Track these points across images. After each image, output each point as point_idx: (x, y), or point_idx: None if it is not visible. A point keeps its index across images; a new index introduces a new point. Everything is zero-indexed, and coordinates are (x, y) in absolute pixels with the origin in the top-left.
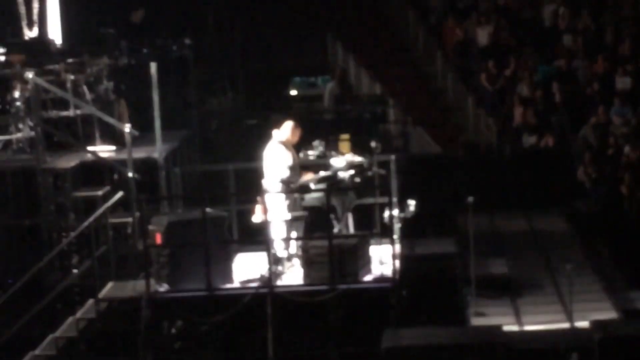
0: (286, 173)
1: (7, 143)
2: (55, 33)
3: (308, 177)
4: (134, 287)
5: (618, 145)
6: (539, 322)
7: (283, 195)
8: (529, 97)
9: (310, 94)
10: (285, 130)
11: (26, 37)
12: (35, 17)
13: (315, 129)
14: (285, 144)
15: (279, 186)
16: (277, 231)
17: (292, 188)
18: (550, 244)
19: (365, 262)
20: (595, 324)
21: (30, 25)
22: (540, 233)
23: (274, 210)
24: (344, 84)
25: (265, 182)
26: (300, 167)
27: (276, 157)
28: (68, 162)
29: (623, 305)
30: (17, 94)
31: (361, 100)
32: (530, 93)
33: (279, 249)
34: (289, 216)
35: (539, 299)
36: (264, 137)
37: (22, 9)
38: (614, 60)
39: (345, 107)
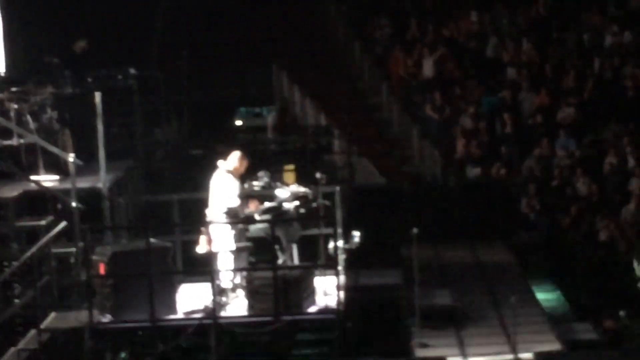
0: (234, 203)
1: None
2: None
3: (253, 207)
4: (77, 317)
5: (562, 177)
6: (483, 354)
7: (228, 226)
8: (473, 129)
9: (255, 124)
10: (233, 161)
11: None
12: None
13: (260, 159)
14: (232, 173)
15: (225, 216)
16: (222, 262)
17: (238, 219)
18: (494, 275)
19: (309, 293)
20: (539, 356)
21: None
22: (484, 264)
23: (218, 241)
24: (285, 114)
25: (210, 212)
26: (245, 197)
27: (223, 186)
28: (11, 191)
29: (567, 336)
30: None
31: (306, 131)
32: (474, 124)
33: (224, 280)
34: (233, 247)
35: (484, 330)
36: (209, 167)
37: None
38: (557, 92)
39: (289, 138)
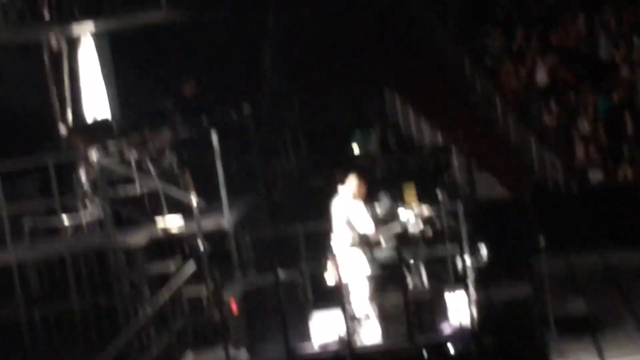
0: (370, 228)
1: (77, 225)
2: (113, 112)
3: (378, 232)
4: (214, 356)
5: None
6: (623, 356)
7: (358, 252)
8: (591, 133)
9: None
10: (351, 184)
11: (86, 119)
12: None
13: (380, 181)
14: (352, 199)
15: (354, 241)
16: (352, 289)
17: (369, 244)
18: (627, 280)
19: (442, 313)
20: None
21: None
22: (616, 269)
23: (346, 268)
24: (386, 136)
25: (335, 240)
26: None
27: (350, 212)
28: (138, 238)
29: None
30: (82, 175)
31: (424, 150)
32: (592, 128)
33: (355, 308)
34: (363, 273)
35: (621, 335)
36: (331, 196)
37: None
38: None
39: (408, 157)
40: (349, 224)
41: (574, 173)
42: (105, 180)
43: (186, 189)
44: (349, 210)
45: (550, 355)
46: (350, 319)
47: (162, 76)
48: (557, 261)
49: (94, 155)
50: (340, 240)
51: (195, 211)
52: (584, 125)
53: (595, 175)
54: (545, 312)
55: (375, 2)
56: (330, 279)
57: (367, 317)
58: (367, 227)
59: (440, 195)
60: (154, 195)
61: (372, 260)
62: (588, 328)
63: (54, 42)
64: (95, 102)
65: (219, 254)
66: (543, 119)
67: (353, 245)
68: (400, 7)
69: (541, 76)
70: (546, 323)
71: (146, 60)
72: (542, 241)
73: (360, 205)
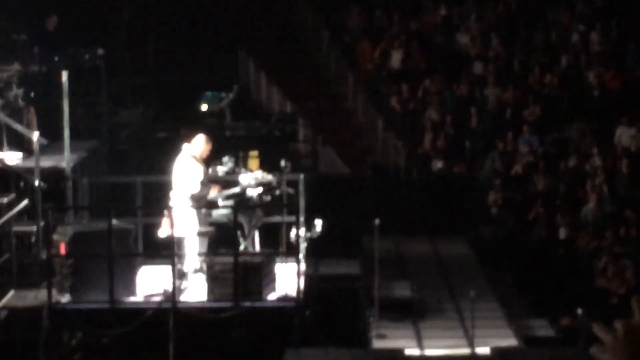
0: (197, 187)
1: None
2: None
3: (216, 192)
4: (36, 296)
5: (525, 173)
6: (441, 347)
7: (191, 210)
8: (439, 122)
9: (220, 109)
10: (197, 144)
11: None
12: None
13: (225, 144)
14: (196, 157)
15: (188, 200)
16: (183, 246)
17: (201, 203)
18: (454, 269)
19: (270, 281)
20: (496, 351)
21: None
22: (444, 258)
23: (181, 225)
24: (240, 100)
25: (174, 196)
26: (207, 182)
27: (187, 170)
28: None
29: (524, 332)
30: None
31: (271, 118)
32: (440, 118)
33: (184, 264)
34: (195, 231)
35: (441, 324)
36: (174, 150)
37: None
38: (523, 88)
39: (254, 124)
40: (185, 181)
41: (416, 159)
42: None
43: (29, 125)
44: (188, 168)
45: (370, 335)
46: (178, 275)
47: (23, 8)
48: (389, 243)
49: None
50: (177, 196)
51: (36, 147)
52: (433, 114)
53: (436, 164)
54: (371, 292)
55: None
56: (163, 232)
57: (196, 274)
58: (199, 188)
59: (282, 163)
60: None
61: (206, 219)
62: (410, 313)
63: None
64: None
65: (54, 193)
66: (392, 102)
67: (187, 203)
68: None
69: (396, 60)
70: (370, 303)
71: None
72: (376, 222)
73: (199, 165)
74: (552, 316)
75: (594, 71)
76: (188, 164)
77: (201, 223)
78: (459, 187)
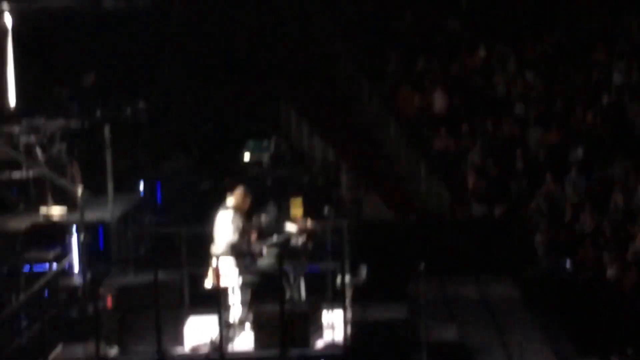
0: (235, 238)
1: None
2: (8, 95)
3: (253, 239)
4: (84, 350)
5: (572, 213)
6: None
7: (234, 260)
8: (481, 165)
9: (262, 158)
10: (236, 197)
11: None
12: None
13: (267, 192)
14: (235, 209)
15: (228, 251)
16: (230, 296)
17: (243, 253)
18: (501, 311)
19: (316, 328)
20: None
21: None
22: (491, 299)
23: (226, 275)
24: (279, 148)
25: (214, 248)
26: (245, 232)
27: (226, 222)
28: (20, 223)
29: None
30: None
31: (314, 165)
32: (481, 161)
33: (231, 314)
34: (240, 281)
35: None
36: (217, 201)
37: None
38: (566, 129)
39: (298, 171)
40: (225, 233)
41: (460, 202)
42: None
43: (73, 180)
44: (229, 219)
45: None
46: (225, 325)
47: (63, 65)
48: (435, 287)
49: None
50: (221, 246)
51: (79, 201)
52: (475, 157)
53: (480, 206)
54: (418, 337)
55: (278, 15)
56: (208, 283)
57: (242, 325)
58: (236, 238)
59: (326, 211)
60: (39, 182)
61: (252, 268)
62: (459, 356)
63: None
64: None
65: (99, 246)
66: (435, 146)
67: (229, 253)
68: (303, 22)
69: (438, 104)
70: (418, 347)
71: (47, 49)
72: (422, 266)
73: (239, 217)
74: (601, 356)
75: (636, 108)
76: (228, 216)
77: (246, 272)
78: (504, 229)
